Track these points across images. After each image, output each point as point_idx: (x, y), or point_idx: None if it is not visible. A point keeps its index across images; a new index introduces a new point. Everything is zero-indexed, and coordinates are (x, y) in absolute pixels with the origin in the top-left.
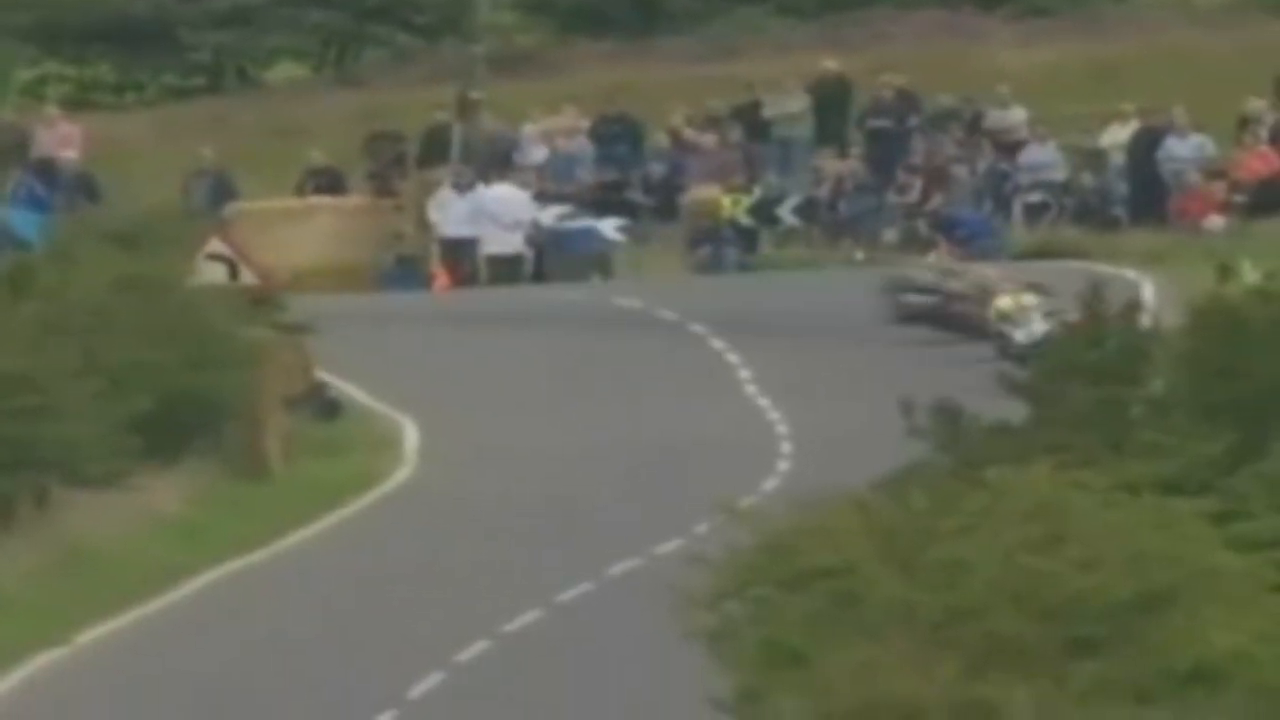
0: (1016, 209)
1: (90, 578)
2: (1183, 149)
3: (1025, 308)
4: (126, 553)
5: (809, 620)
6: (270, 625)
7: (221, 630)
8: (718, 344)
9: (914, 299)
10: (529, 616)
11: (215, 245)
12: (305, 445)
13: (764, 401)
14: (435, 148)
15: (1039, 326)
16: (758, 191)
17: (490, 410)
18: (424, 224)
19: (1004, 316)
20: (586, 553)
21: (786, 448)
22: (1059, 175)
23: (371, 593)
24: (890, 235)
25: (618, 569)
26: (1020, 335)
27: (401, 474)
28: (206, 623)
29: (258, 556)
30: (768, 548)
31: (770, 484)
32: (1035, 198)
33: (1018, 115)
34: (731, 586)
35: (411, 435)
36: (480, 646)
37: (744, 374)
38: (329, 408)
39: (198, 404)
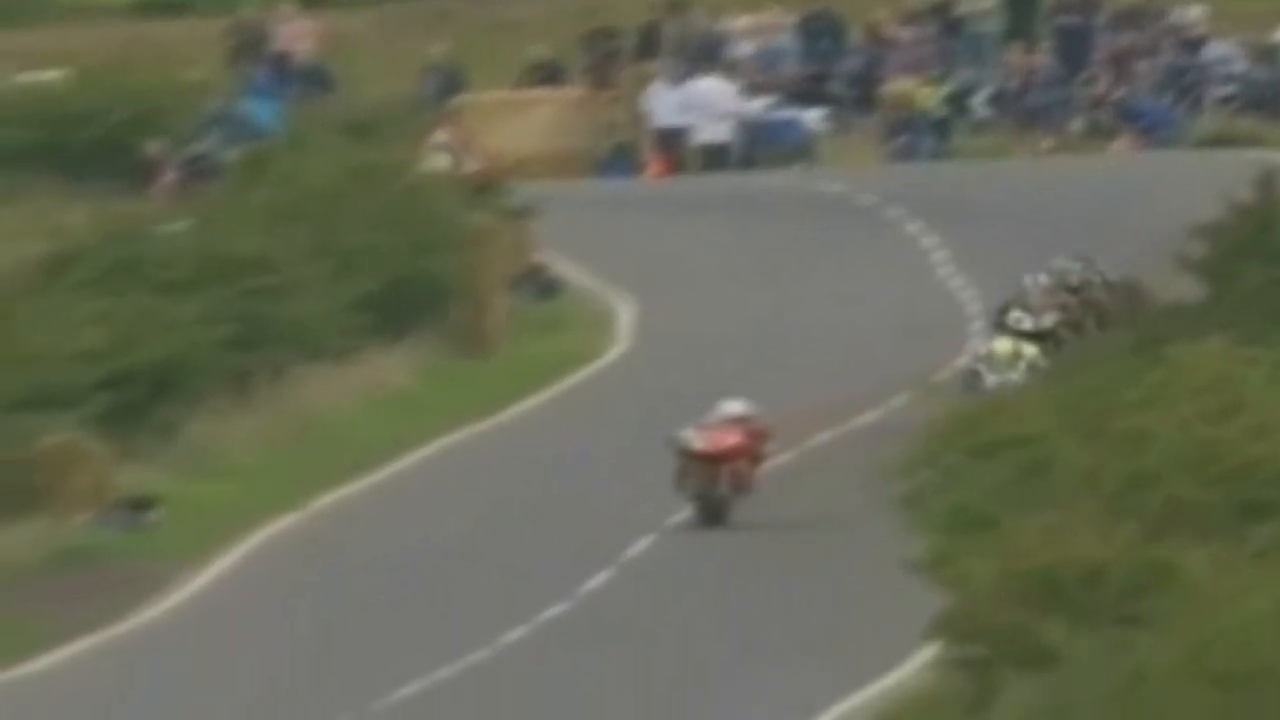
0: (1203, 101)
1: (321, 447)
2: None
3: (1017, 357)
4: (355, 424)
5: (997, 487)
6: (490, 494)
7: (443, 499)
8: (913, 227)
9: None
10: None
11: (441, 135)
12: (524, 324)
13: (956, 282)
14: (649, 43)
15: (1014, 377)
16: (952, 84)
17: (699, 290)
18: (638, 115)
19: (992, 360)
20: (786, 427)
21: (977, 326)
22: (1238, 69)
23: (585, 465)
24: (1076, 125)
25: (817, 441)
26: (991, 381)
27: (615, 351)
28: (429, 491)
29: (478, 429)
30: (959, 419)
31: (962, 360)
32: (1222, 91)
33: (1198, 12)
34: (924, 456)
35: (625, 314)
36: (650, 540)
37: (938, 256)
38: (547, 288)
39: (423, 285)
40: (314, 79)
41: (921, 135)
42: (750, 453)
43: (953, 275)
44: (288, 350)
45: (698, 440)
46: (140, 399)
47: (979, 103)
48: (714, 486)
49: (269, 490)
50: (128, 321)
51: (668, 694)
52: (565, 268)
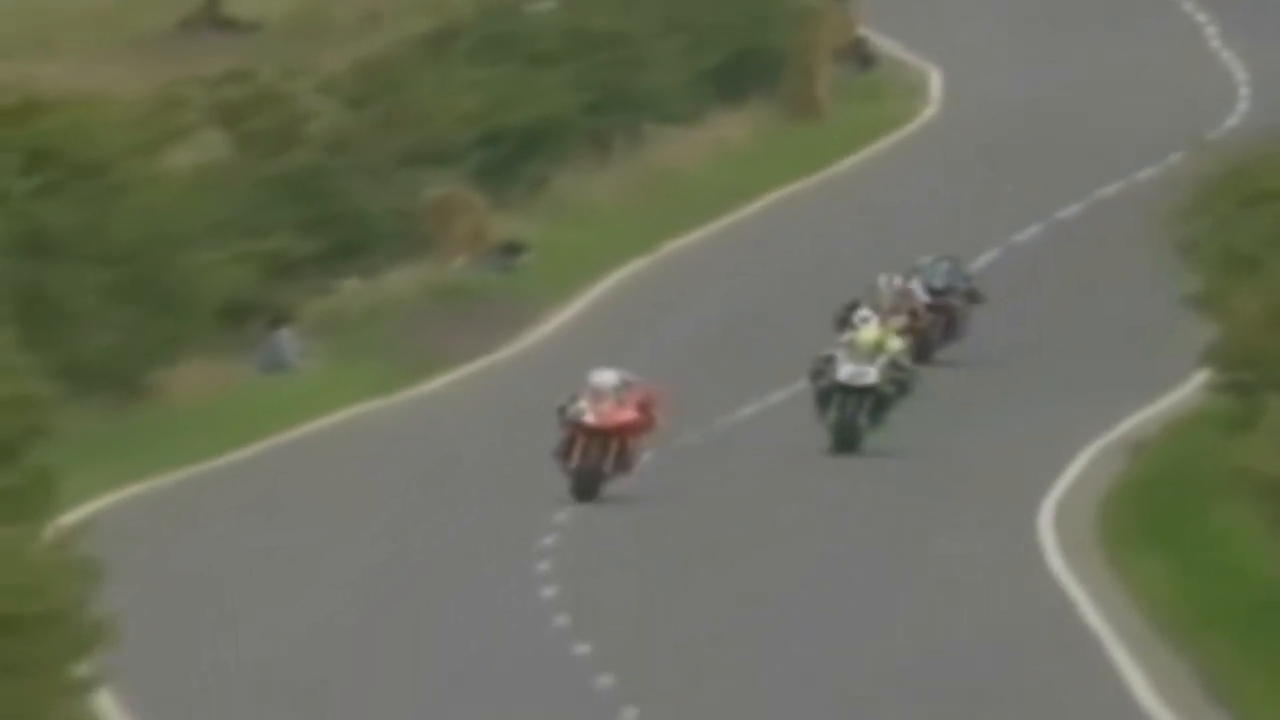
0: None
1: (672, 198)
2: None
3: (880, 348)
4: (701, 178)
5: (1263, 232)
6: (818, 236)
7: (777, 242)
8: (1188, 5)
9: None
10: (1032, 230)
11: None
12: (847, 92)
13: (1227, 54)
14: None
15: (869, 374)
16: None
17: (1000, 61)
18: None
19: (854, 346)
20: (1078, 180)
21: (1245, 92)
22: None
23: (897, 213)
24: None
25: (1105, 192)
26: (844, 373)
27: (926, 114)
28: (765, 234)
29: (808, 182)
30: (1229, 173)
31: (1231, 122)
32: None
33: None
34: (1198, 205)
35: (936, 82)
36: (991, 255)
37: (1210, 30)
38: (867, 60)
39: (761, 57)
40: None
41: None
42: (641, 427)
43: (1222, 48)
44: (642, 114)
45: (591, 414)
46: (511, 156)
47: None
48: (600, 462)
49: (624, 236)
50: (501, 88)
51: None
52: (883, 42)
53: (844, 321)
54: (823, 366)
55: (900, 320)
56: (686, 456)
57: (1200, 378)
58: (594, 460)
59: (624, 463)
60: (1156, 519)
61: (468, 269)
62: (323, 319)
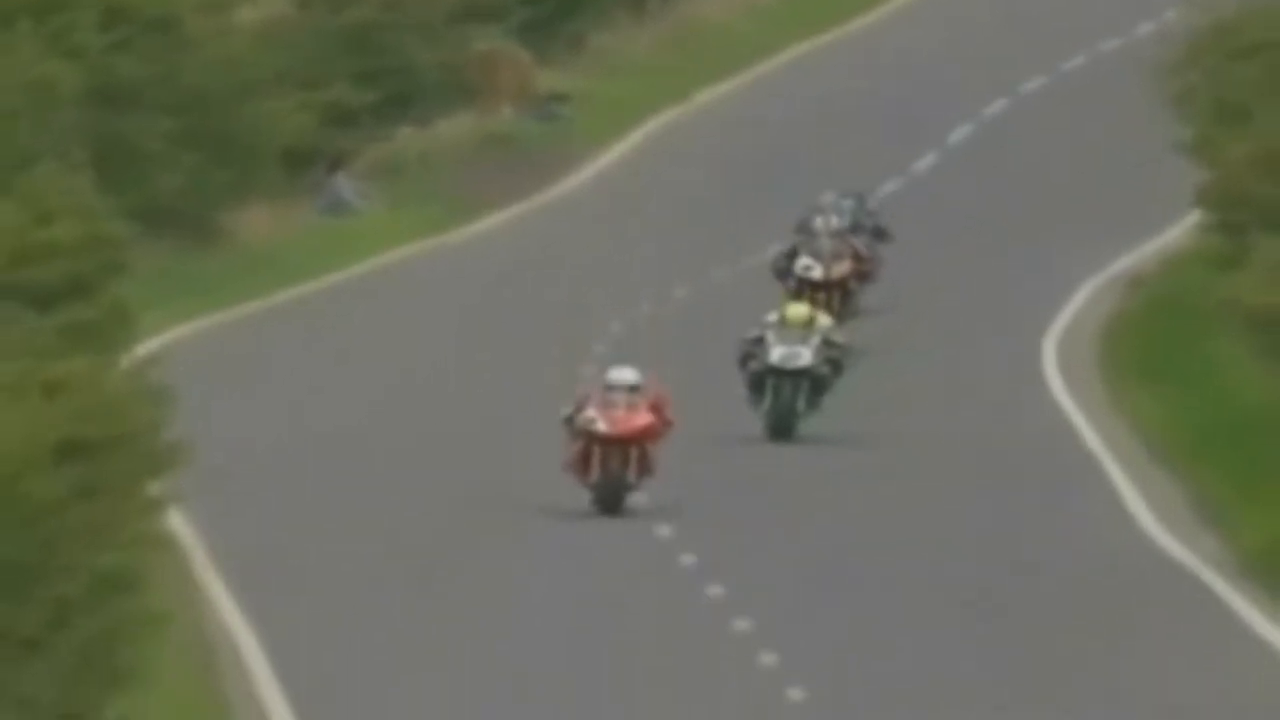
0: None
1: (704, 50)
2: None
3: (810, 326)
4: (732, 32)
5: (1251, 84)
6: (832, 86)
7: (801, 89)
8: None
9: None
10: (1037, 81)
11: None
12: None
13: None
14: None
15: (803, 355)
16: None
17: None
18: None
19: (784, 326)
20: (1085, 29)
21: None
22: None
23: (907, 60)
24: None
25: (1106, 46)
26: (776, 356)
27: None
28: (793, 84)
29: (828, 37)
30: (1219, 27)
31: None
32: None
33: None
34: (1190, 58)
35: None
36: (1001, 104)
37: None
38: None
39: None
40: None
41: None
42: (658, 431)
43: None
44: None
45: (603, 422)
46: (553, 14)
47: None
48: (623, 472)
49: (660, 87)
50: None
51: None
52: None
53: (784, 272)
54: (752, 349)
55: (844, 266)
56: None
57: (1193, 218)
58: (615, 472)
59: (646, 468)
60: (1152, 350)
61: (513, 119)
62: (378, 164)
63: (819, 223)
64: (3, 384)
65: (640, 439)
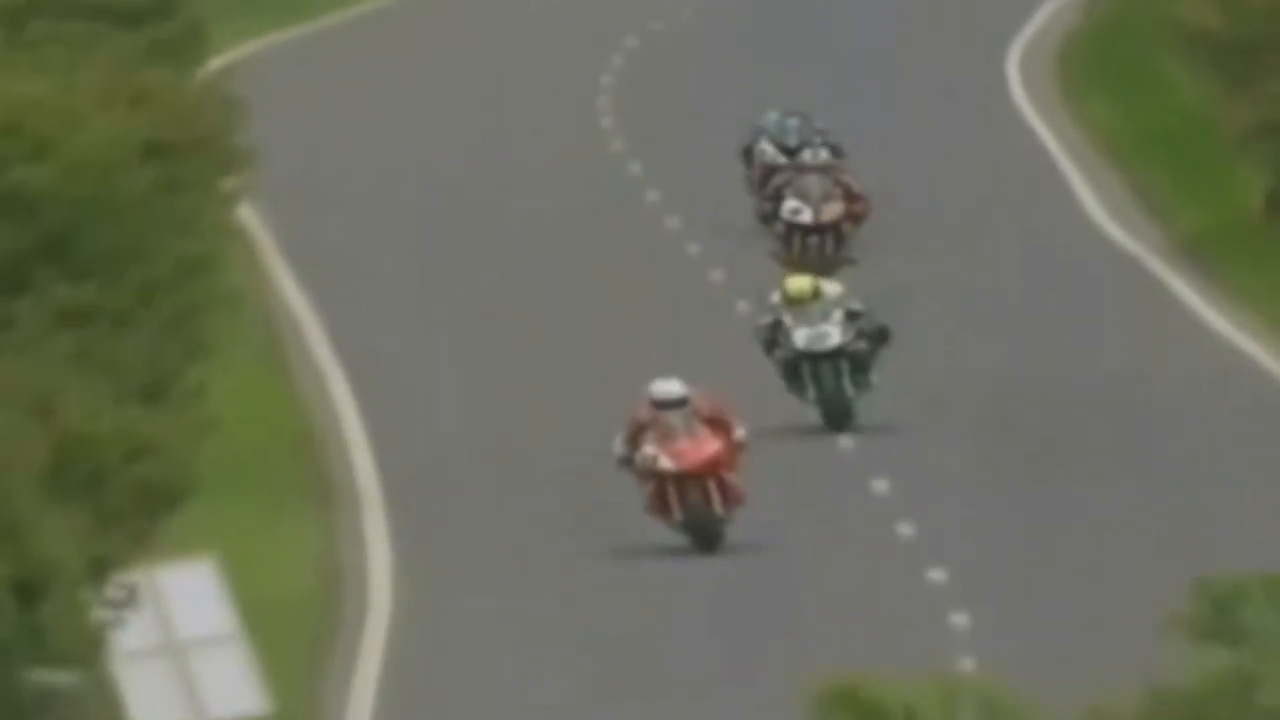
0: None
1: None
2: None
3: (819, 298)
4: None
5: None
6: None
7: None
8: None
9: None
10: None
11: None
12: None
13: None
14: None
15: (831, 335)
16: None
17: None
18: None
19: (792, 304)
20: None
21: None
22: None
23: None
24: None
25: None
26: (802, 340)
27: None
28: None
29: None
30: None
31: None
32: None
33: None
34: None
35: None
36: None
37: None
38: None
39: None
40: None
41: None
42: (730, 459)
43: None
44: None
45: (666, 458)
46: None
47: None
48: (706, 506)
49: None
50: None
51: None
52: None
53: (770, 216)
54: (774, 335)
55: (836, 208)
56: None
57: None
58: (698, 506)
59: (733, 498)
60: (1105, 64)
61: None
62: None
63: (807, 155)
64: (94, 94)
65: (713, 469)
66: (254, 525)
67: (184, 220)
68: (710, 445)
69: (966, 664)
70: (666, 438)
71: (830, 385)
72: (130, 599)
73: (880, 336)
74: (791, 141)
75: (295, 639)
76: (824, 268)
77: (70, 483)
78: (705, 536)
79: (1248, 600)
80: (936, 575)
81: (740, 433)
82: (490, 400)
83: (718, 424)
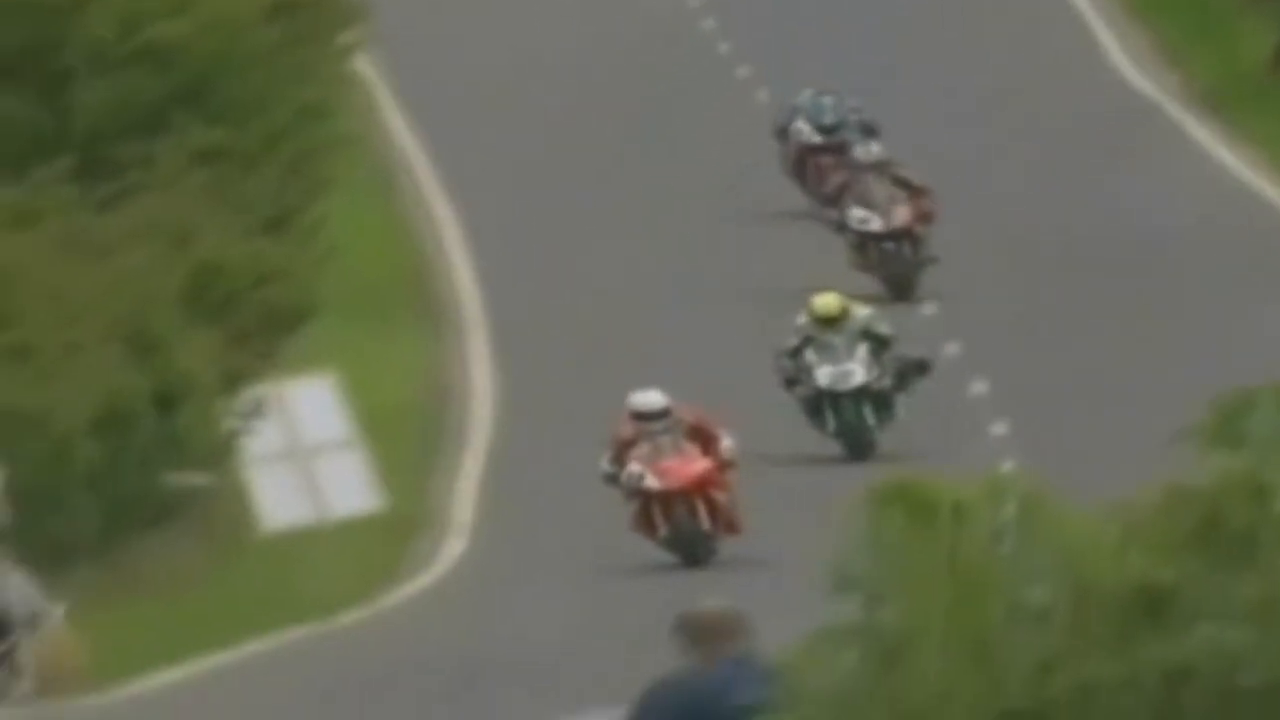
0: None
1: None
2: None
3: (848, 319)
4: None
5: None
6: None
7: None
8: None
9: None
10: None
11: None
12: None
13: None
14: None
15: (855, 374)
16: None
17: None
18: None
19: (817, 330)
20: None
21: None
22: None
23: None
24: None
25: None
26: (824, 378)
27: None
28: None
29: None
30: None
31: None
32: None
33: None
34: None
35: None
36: None
37: None
38: None
39: None
40: None
41: None
42: (719, 478)
43: None
44: None
45: (651, 476)
46: None
47: None
48: (693, 522)
49: None
50: None
51: None
52: None
53: (841, 225)
54: (794, 370)
55: (904, 213)
56: None
57: None
58: (684, 522)
59: (727, 523)
60: None
61: None
62: None
63: (859, 152)
64: None
65: (700, 488)
66: (369, 343)
67: (305, 70)
68: (698, 464)
69: (1007, 467)
70: (653, 455)
71: (850, 419)
72: (258, 409)
73: (919, 369)
74: (827, 120)
75: (407, 445)
76: (908, 274)
77: (204, 306)
78: (691, 553)
79: (1255, 408)
80: (979, 387)
81: (727, 443)
82: (589, 239)
83: (703, 434)
